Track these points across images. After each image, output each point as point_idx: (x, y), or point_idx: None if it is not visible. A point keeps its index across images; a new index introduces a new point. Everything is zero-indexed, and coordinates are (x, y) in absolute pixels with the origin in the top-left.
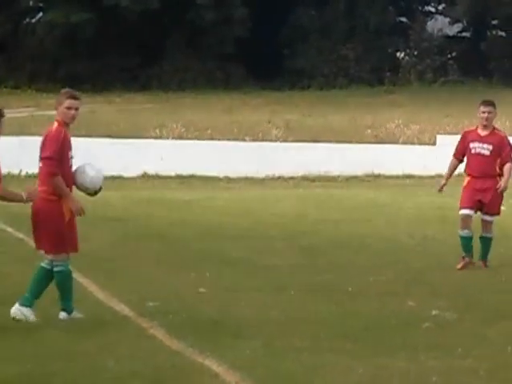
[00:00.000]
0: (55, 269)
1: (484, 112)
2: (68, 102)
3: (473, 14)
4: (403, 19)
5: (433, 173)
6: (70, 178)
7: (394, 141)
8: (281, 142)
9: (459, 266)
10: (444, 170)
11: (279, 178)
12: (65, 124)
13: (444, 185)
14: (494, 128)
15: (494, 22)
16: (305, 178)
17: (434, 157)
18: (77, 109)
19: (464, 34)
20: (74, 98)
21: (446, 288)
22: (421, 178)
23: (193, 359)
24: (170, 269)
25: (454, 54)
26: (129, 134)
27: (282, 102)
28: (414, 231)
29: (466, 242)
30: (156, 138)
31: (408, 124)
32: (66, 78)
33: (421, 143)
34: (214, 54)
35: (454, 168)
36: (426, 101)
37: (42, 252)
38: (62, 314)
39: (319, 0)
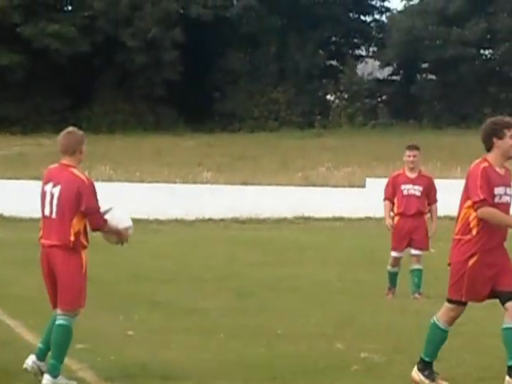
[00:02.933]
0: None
1: (410, 156)
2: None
3: (403, 58)
4: (333, 62)
5: (362, 215)
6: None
7: (323, 183)
8: (211, 184)
9: (389, 297)
10: (374, 212)
11: (209, 220)
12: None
13: (391, 224)
14: (421, 170)
15: (425, 66)
16: (235, 221)
17: (363, 199)
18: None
19: (394, 77)
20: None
21: (375, 330)
22: (350, 220)
23: None
24: (98, 311)
25: (384, 97)
26: None
27: (212, 144)
28: (343, 273)
29: (393, 277)
30: None
31: (338, 167)
32: None
33: (351, 186)
34: (144, 97)
35: (390, 208)
36: (356, 144)
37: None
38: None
39: (250, 43)
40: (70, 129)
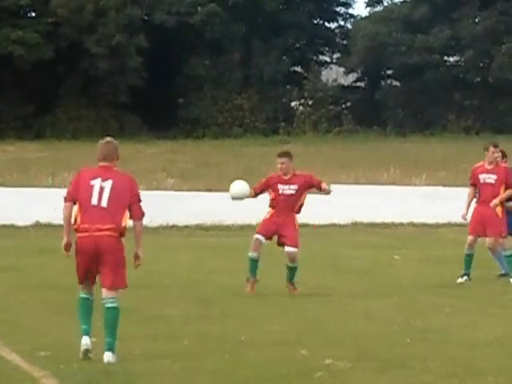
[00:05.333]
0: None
1: (279, 163)
2: None
3: (367, 64)
4: (298, 69)
5: (327, 222)
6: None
7: None
8: (175, 190)
9: (248, 290)
10: (338, 219)
11: (173, 226)
12: None
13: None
14: (294, 172)
15: (389, 72)
16: (199, 227)
17: (327, 206)
18: None
19: (359, 83)
20: None
21: (340, 337)
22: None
23: None
24: (62, 318)
25: (348, 104)
26: (22, 182)
27: (176, 150)
28: (307, 280)
29: (254, 265)
30: (49, 186)
31: None
32: None
33: (315, 192)
34: (108, 103)
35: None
36: (320, 150)
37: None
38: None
39: (214, 49)
40: (108, 139)
